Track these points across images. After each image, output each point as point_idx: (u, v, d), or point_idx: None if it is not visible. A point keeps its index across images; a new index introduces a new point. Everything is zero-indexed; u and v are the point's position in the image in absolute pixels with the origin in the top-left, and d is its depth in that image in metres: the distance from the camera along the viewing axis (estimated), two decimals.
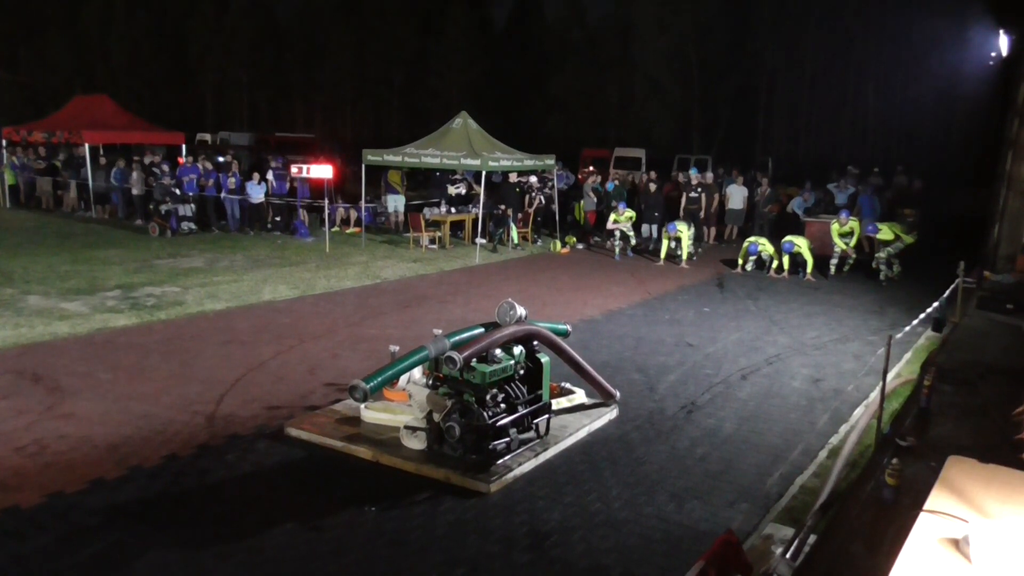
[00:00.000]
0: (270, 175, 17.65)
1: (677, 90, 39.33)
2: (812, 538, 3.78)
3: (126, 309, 9.97)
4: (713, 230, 17.97)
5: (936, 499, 2.63)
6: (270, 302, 10.67)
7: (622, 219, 15.48)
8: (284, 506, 4.93)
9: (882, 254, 13.41)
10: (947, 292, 9.57)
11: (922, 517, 2.50)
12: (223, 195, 17.48)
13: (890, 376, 6.12)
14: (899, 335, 6.97)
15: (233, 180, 17.49)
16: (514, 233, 16.46)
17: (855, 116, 40.93)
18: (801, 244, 13.45)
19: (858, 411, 6.92)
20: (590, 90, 43.75)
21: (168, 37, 50.37)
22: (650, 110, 40.26)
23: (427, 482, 5.26)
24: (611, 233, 15.80)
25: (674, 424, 6.49)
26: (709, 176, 18.37)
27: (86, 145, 19.54)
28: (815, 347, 9.14)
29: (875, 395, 7.09)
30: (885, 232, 13.35)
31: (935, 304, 9.04)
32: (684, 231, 14.50)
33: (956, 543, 2.33)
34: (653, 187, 16.85)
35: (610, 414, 6.53)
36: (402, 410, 6.05)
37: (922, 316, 8.37)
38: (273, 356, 8.12)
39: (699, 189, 17.11)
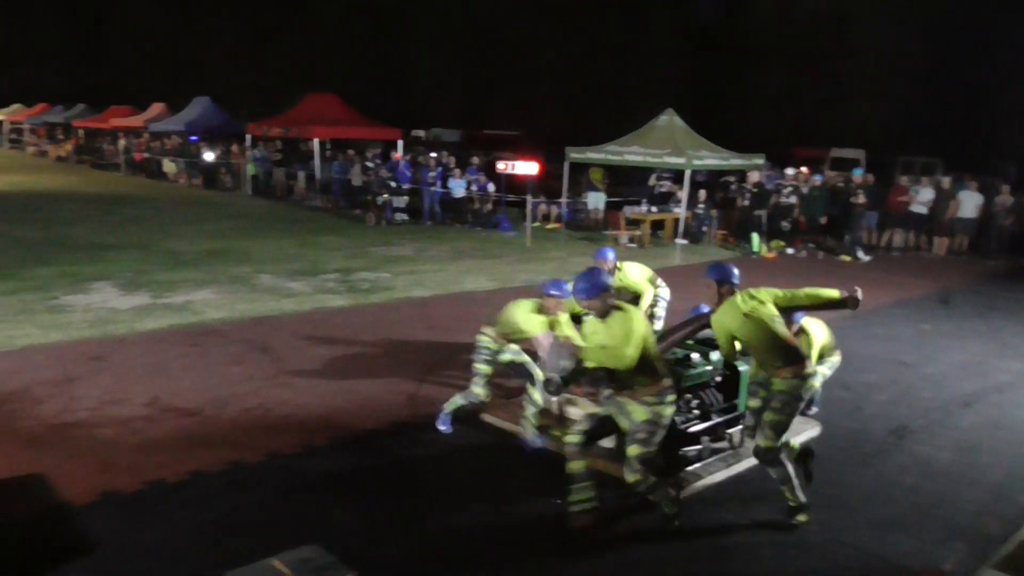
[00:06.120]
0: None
1: (901, 87, 36.27)
2: None
3: (343, 291, 10.80)
4: (946, 240, 16.42)
5: None
6: (471, 292, 11.10)
7: None
8: (472, 488, 5.12)
9: None
10: None
11: None
12: (428, 187, 18.44)
13: None
14: None
15: (434, 175, 18.41)
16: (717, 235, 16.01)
17: None
18: None
19: None
20: (802, 85, 41.40)
21: (384, 40, 53.86)
22: (869, 108, 37.47)
23: (612, 480, 5.24)
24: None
25: (881, 448, 6.02)
26: (926, 181, 16.78)
27: (316, 140, 21.37)
28: None
29: None
30: None
31: None
32: None
33: None
34: (861, 199, 15.51)
35: (811, 431, 6.17)
36: (594, 406, 6.06)
37: None
38: (472, 344, 8.44)
39: (930, 191, 15.67)
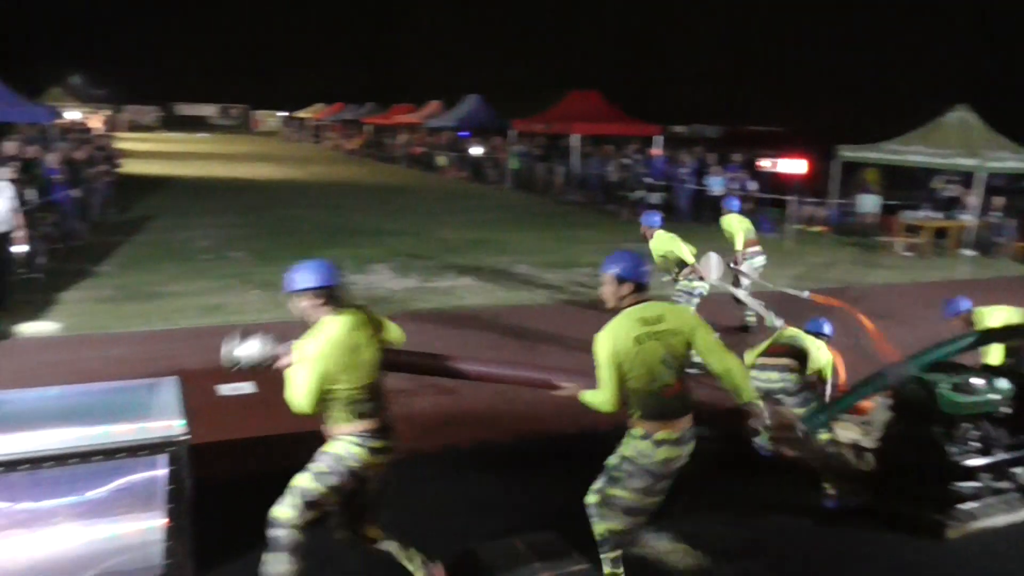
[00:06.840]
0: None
1: None
2: None
3: (596, 285, 10.95)
4: None
5: None
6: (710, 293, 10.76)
7: None
8: (711, 495, 4.97)
9: None
10: None
11: None
12: (682, 184, 18.14)
13: None
14: None
15: (688, 171, 18.04)
16: None
17: None
18: None
19: None
20: None
21: (647, 35, 53.76)
22: None
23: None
24: None
25: None
26: None
27: (575, 136, 21.90)
28: None
29: None
30: None
31: None
32: None
33: None
34: None
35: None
36: (856, 427, 5.61)
37: None
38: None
39: None
